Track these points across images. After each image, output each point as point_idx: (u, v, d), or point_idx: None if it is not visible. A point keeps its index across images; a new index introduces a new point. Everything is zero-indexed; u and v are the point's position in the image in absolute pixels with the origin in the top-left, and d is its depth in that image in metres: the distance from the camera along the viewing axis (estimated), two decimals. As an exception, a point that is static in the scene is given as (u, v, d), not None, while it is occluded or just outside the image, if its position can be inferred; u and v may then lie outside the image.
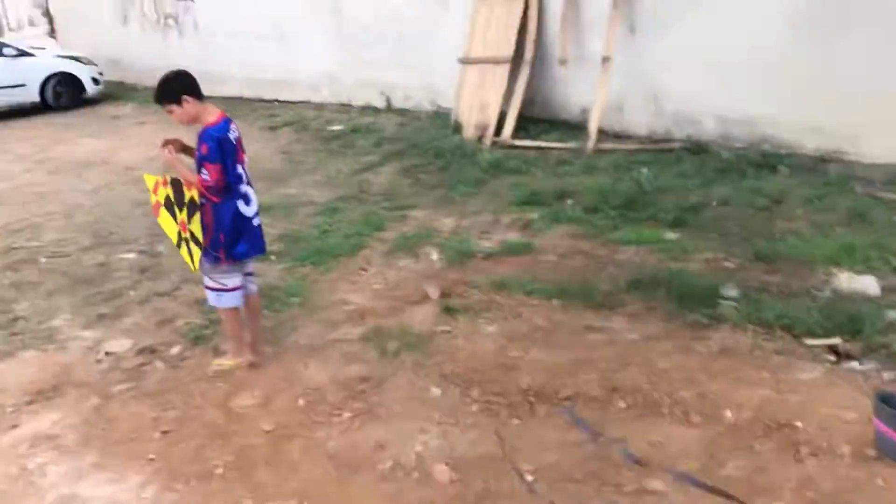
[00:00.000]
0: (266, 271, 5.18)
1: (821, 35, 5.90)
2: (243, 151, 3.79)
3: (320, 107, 10.82)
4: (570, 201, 6.15)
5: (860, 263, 4.53)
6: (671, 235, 5.29)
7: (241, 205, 3.73)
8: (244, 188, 3.75)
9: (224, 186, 3.62)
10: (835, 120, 6.02)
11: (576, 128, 7.78)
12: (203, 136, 3.61)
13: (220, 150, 3.57)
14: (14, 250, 6.26)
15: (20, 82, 13.20)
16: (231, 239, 3.76)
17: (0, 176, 9.25)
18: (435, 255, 5.32)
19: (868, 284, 4.21)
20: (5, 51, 13.15)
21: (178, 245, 3.79)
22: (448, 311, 4.41)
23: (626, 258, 4.99)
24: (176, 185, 3.65)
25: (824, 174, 6.07)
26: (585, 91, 7.60)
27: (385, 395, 3.63)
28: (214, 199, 3.62)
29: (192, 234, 3.72)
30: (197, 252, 3.75)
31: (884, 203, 5.40)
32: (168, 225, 3.77)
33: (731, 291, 4.26)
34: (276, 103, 11.64)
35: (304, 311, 4.66)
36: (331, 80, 10.80)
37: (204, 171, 3.58)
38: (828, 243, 4.83)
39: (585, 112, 7.60)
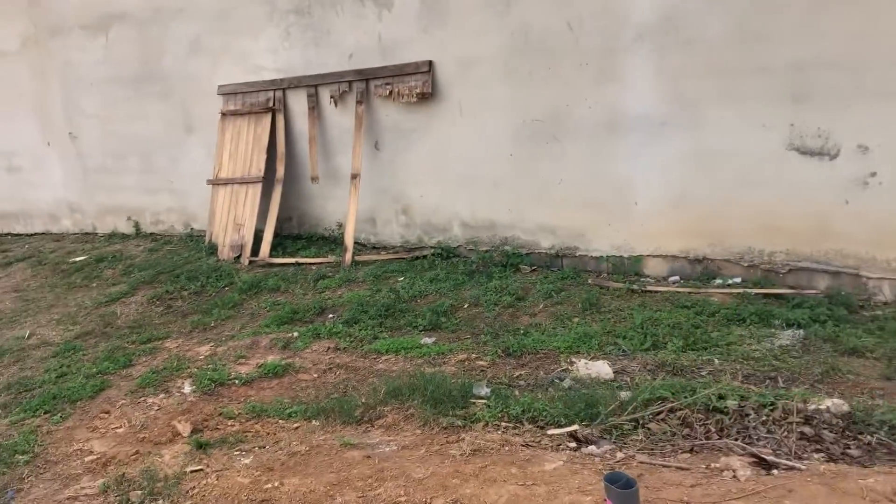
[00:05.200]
0: (-13, 429, 4.59)
1: (542, 149, 6.54)
2: None
3: (61, 237, 10.04)
4: (330, 315, 6.14)
5: (595, 349, 4.91)
6: (427, 340, 5.42)
7: None
8: None
9: None
10: (563, 221, 6.62)
11: (333, 242, 7.88)
12: None
13: None
14: None
15: None
16: None
17: None
18: (188, 388, 5.02)
19: (602, 369, 4.56)
20: None
21: None
22: (200, 447, 4.13)
23: (385, 368, 5.02)
24: None
25: (560, 269, 6.60)
26: (340, 206, 7.76)
27: (126, 554, 3.27)
28: None
29: None
30: None
31: (610, 291, 5.95)
32: None
33: (483, 390, 4.41)
34: (8, 237, 10.64)
35: (33, 468, 4.15)
36: (71, 208, 10.12)
37: None
38: (567, 333, 5.20)
39: (342, 226, 7.74)
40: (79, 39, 9.31)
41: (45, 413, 4.86)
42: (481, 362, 4.94)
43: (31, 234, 10.52)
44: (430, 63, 6.93)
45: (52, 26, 9.55)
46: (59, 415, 4.80)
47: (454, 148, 7.03)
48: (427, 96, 6.97)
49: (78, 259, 8.76)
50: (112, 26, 9.00)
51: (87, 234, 9.99)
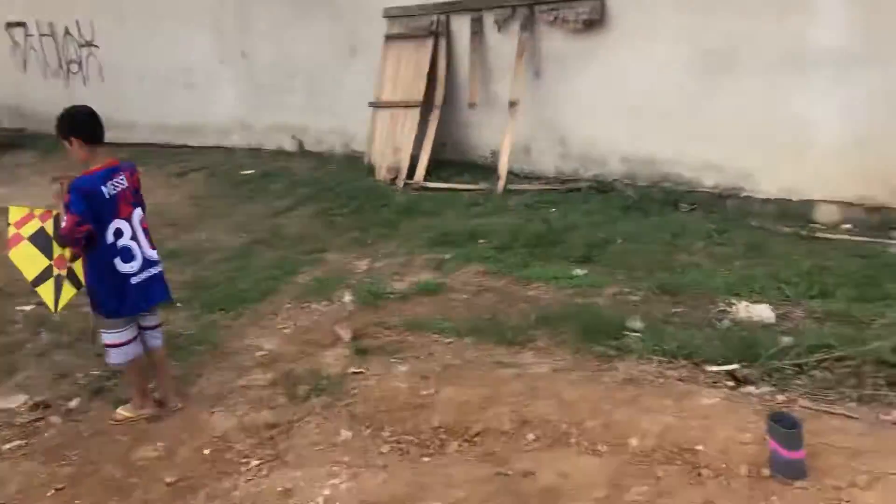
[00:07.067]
0: (171, 319, 5.03)
1: (714, 82, 6.24)
2: (129, 205, 3.69)
3: (231, 152, 10.66)
4: (481, 241, 6.23)
5: (757, 293, 4.73)
6: (579, 271, 5.41)
7: (117, 262, 3.64)
8: (124, 243, 3.65)
9: (82, 239, 3.49)
10: (730, 159, 6.33)
11: (487, 169, 7.92)
12: (70, 186, 3.52)
13: (83, 202, 3.48)
14: None
15: None
16: (102, 296, 3.67)
17: None
18: (348, 298, 5.28)
19: (764, 313, 4.40)
20: None
21: (39, 282, 3.63)
22: (360, 352, 4.37)
23: (535, 294, 5.06)
24: (58, 221, 3.58)
25: (723, 210, 6.35)
26: (495, 134, 7.77)
27: (294, 441, 3.56)
28: (74, 249, 3.52)
29: (71, 271, 3.64)
30: (70, 292, 3.67)
31: (776, 235, 5.67)
32: (28, 261, 3.59)
33: (637, 324, 4.37)
34: (185, 149, 11.42)
35: (211, 358, 4.54)
36: (241, 124, 10.70)
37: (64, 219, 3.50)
38: (727, 275, 5.03)
39: (495, 154, 7.76)
40: (254, -39, 9.66)
41: (220, 311, 5.27)
42: (634, 297, 4.88)
43: (205, 148, 11.22)
44: (600, -11, 6.71)
45: (230, -52, 9.95)
46: (233, 313, 5.19)
47: (619, 78, 6.83)
48: (594, 24, 6.77)
49: (247, 173, 9.31)
50: (286, -52, 9.27)
51: (253, 149, 10.54)
